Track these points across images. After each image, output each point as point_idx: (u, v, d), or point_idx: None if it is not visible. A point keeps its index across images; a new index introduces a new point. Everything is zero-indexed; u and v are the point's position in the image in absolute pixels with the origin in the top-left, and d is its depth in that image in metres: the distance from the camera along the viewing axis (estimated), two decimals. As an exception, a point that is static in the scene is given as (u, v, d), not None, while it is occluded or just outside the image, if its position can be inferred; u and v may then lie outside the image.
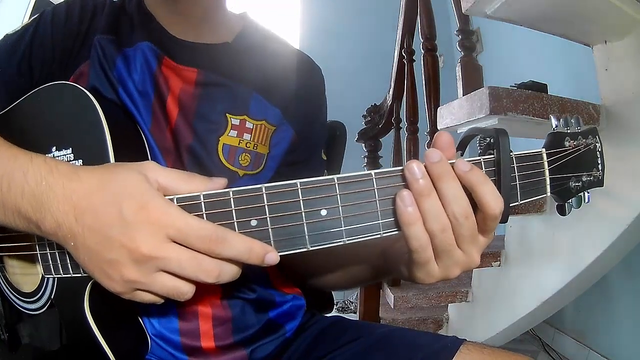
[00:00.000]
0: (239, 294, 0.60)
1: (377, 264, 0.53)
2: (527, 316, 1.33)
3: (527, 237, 1.33)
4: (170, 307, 0.56)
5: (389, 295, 1.52)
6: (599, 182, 0.45)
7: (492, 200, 0.37)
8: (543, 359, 1.92)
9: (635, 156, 1.00)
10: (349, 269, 0.59)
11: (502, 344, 1.48)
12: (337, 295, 2.79)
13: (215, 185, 0.38)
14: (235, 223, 0.36)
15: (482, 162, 0.39)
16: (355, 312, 2.57)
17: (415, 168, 0.37)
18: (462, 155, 0.45)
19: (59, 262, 0.44)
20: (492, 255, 1.40)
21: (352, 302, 2.73)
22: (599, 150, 0.45)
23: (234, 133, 0.59)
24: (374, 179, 0.37)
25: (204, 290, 0.57)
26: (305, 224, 0.37)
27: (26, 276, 0.51)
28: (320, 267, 0.63)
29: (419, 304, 1.50)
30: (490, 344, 0.56)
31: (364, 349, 0.58)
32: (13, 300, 0.53)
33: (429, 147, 1.49)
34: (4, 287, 0.54)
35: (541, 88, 1.12)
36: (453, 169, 0.37)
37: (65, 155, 0.46)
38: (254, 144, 0.60)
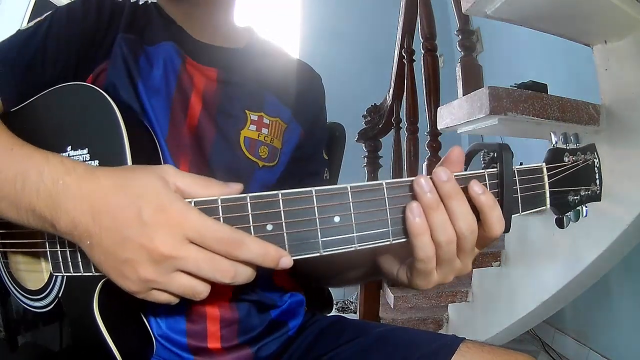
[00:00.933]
0: (246, 295, 0.60)
1: (369, 267, 0.54)
2: (527, 316, 1.33)
3: (527, 237, 1.33)
4: (179, 308, 0.57)
5: (389, 295, 1.52)
6: (597, 197, 0.47)
7: (497, 223, 0.39)
8: (543, 359, 1.92)
9: (635, 156, 1.00)
10: (344, 273, 0.61)
11: (502, 344, 1.48)
12: (337, 295, 2.79)
13: (231, 190, 0.39)
14: (252, 227, 0.37)
15: (486, 175, 0.41)
16: (355, 312, 2.57)
17: (423, 182, 0.38)
18: (466, 169, 0.46)
19: (69, 260, 0.44)
20: (492, 255, 1.40)
21: (352, 302, 2.73)
22: (597, 165, 0.48)
23: (253, 127, 0.62)
24: (385, 188, 0.39)
25: (214, 292, 0.57)
26: (319, 230, 0.38)
27: (31, 273, 0.51)
28: (320, 274, 0.65)
29: (419, 304, 1.50)
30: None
31: (364, 347, 0.58)
32: (18, 298, 0.53)
33: (429, 147, 1.50)
34: (9, 283, 0.54)
35: (541, 88, 1.12)
36: (467, 187, 0.39)
37: (81, 155, 0.46)
38: (271, 138, 0.63)
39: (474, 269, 1.48)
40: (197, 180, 0.38)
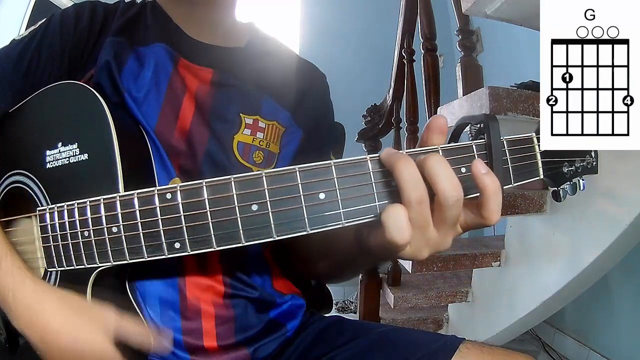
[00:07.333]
0: (242, 293, 0.60)
1: (352, 251, 0.51)
2: (527, 316, 1.33)
3: (527, 237, 1.33)
4: (173, 306, 0.57)
5: (389, 295, 1.52)
6: (593, 169, 0.46)
7: (497, 212, 0.37)
8: (543, 359, 1.92)
9: (635, 156, 1.00)
10: (329, 258, 0.58)
11: (502, 344, 1.48)
12: (337, 295, 2.79)
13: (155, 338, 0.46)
14: (237, 208, 0.38)
15: (474, 146, 0.40)
16: (355, 312, 2.57)
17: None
18: None
19: (62, 254, 0.44)
20: (492, 255, 1.40)
21: (352, 302, 2.73)
22: None
23: (247, 131, 0.60)
24: (369, 162, 0.38)
25: (206, 289, 0.57)
26: (304, 207, 0.38)
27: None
28: (302, 258, 0.63)
29: (419, 304, 1.50)
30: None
31: (363, 348, 0.58)
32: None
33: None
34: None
35: (541, 88, 1.11)
36: (471, 165, 0.37)
37: (71, 150, 0.47)
38: (267, 142, 0.61)
39: (474, 269, 1.48)
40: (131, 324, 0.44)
